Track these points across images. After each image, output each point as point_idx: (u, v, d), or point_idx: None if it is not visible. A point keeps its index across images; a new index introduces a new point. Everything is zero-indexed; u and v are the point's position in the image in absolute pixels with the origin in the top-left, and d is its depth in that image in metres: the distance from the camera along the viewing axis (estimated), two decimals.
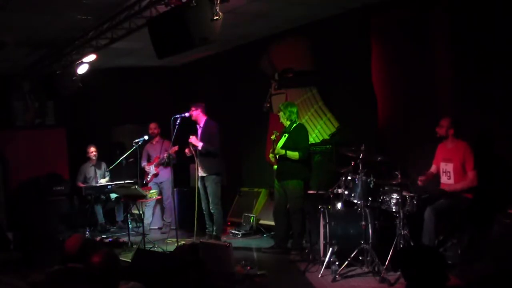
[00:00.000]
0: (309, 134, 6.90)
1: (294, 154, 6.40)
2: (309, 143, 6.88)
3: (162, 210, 8.80)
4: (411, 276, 2.74)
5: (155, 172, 8.43)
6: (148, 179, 8.47)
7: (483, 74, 5.58)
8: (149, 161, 8.62)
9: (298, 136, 6.51)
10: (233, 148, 9.24)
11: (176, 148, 7.61)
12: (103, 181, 9.04)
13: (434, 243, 5.31)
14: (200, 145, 7.08)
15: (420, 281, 2.69)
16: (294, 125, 6.59)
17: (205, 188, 7.22)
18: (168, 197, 8.50)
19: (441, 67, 6.12)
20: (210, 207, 7.19)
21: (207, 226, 7.38)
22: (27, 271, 5.48)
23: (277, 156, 6.48)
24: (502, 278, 4.52)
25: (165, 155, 8.07)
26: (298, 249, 6.43)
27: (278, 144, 6.53)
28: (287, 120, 6.61)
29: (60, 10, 6.14)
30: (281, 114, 6.65)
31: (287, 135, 6.54)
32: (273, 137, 6.54)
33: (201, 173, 7.22)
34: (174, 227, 7.61)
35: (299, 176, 6.51)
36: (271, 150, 6.61)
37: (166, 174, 8.45)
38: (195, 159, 7.21)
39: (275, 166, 6.63)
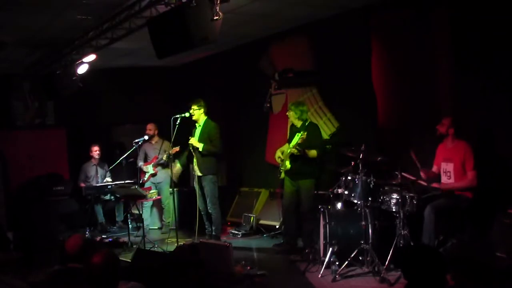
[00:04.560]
0: None
1: (313, 153, 6.37)
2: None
3: (161, 210, 8.81)
4: (411, 275, 2.75)
5: (153, 172, 8.41)
6: (145, 178, 8.45)
7: (483, 74, 5.58)
8: (146, 160, 8.61)
9: (314, 135, 6.46)
10: (233, 148, 9.25)
11: (177, 149, 7.62)
12: (105, 181, 9.06)
13: (434, 243, 5.31)
14: (201, 146, 7.06)
15: (420, 280, 2.70)
16: (307, 123, 6.56)
17: (202, 188, 7.21)
18: (166, 198, 8.49)
19: (441, 67, 6.12)
20: (208, 208, 7.18)
21: (206, 226, 7.37)
22: (27, 271, 5.47)
23: (295, 154, 6.39)
24: (501, 278, 4.52)
25: (164, 156, 8.08)
26: (310, 247, 6.24)
27: (291, 144, 6.45)
28: (298, 119, 6.56)
29: (60, 10, 6.14)
30: (291, 113, 6.58)
31: (299, 135, 6.39)
32: (298, 136, 6.50)
33: (197, 173, 7.21)
34: (174, 227, 7.61)
35: (312, 175, 6.52)
36: (277, 155, 6.60)
37: (164, 175, 8.45)
38: (194, 159, 7.21)
39: (289, 165, 6.54)
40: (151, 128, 8.50)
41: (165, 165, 8.40)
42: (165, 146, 8.33)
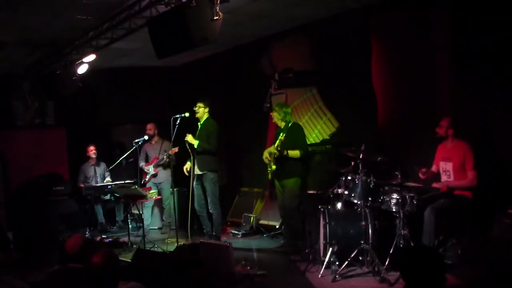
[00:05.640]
0: (309, 134, 6.90)
1: (295, 153, 6.42)
2: (309, 143, 6.89)
3: (162, 210, 8.80)
4: (409, 276, 2.74)
5: (154, 172, 8.41)
6: (146, 179, 8.45)
7: (483, 74, 5.58)
8: (147, 161, 8.60)
9: (296, 135, 6.53)
10: (233, 148, 9.25)
11: (176, 149, 7.61)
12: (105, 181, 9.05)
13: (434, 243, 5.31)
14: (196, 143, 7.06)
15: (418, 281, 2.69)
16: (290, 124, 6.61)
17: (203, 187, 7.20)
18: (167, 198, 8.49)
19: (441, 67, 6.12)
20: (209, 207, 7.17)
21: (203, 226, 7.35)
22: (27, 271, 5.48)
23: (275, 156, 6.46)
24: (501, 278, 4.52)
25: (165, 156, 8.08)
26: (303, 247, 6.30)
27: (275, 144, 6.51)
28: (281, 120, 6.62)
29: (60, 10, 6.14)
30: (275, 114, 6.66)
31: (283, 135, 6.52)
32: (281, 137, 6.52)
33: (197, 171, 7.20)
34: (174, 227, 7.60)
35: (297, 174, 6.54)
36: (265, 155, 6.62)
37: (165, 175, 8.45)
38: (191, 156, 7.20)
39: (274, 166, 6.60)
40: (151, 128, 8.50)
41: (166, 166, 8.40)
42: (165, 146, 8.32)
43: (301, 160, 6.51)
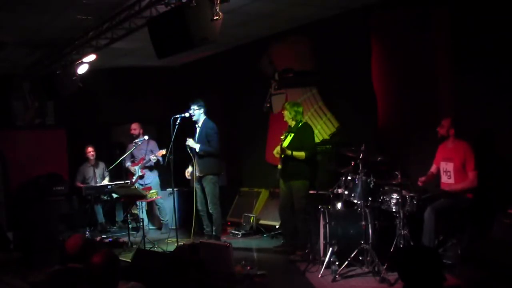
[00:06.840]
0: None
1: (300, 154, 6.37)
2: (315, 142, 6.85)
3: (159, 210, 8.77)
4: (407, 276, 2.74)
5: (140, 173, 8.34)
6: (133, 180, 8.37)
7: (483, 74, 5.58)
8: (133, 162, 8.56)
9: (304, 136, 6.48)
10: (233, 148, 9.25)
11: (163, 151, 7.56)
12: (104, 182, 9.03)
13: (434, 243, 5.31)
14: (197, 147, 7.03)
15: (417, 281, 2.69)
16: (300, 124, 6.57)
17: (202, 188, 7.19)
18: (159, 198, 8.45)
19: (441, 67, 6.12)
20: (209, 207, 7.16)
21: (204, 226, 7.34)
22: (27, 271, 5.47)
23: (282, 155, 6.44)
24: (501, 279, 4.52)
25: (152, 156, 8.06)
26: (304, 248, 6.29)
27: (283, 144, 6.45)
28: (292, 119, 6.57)
29: (60, 10, 6.14)
30: (286, 113, 6.59)
31: (292, 135, 6.50)
32: (282, 137, 6.50)
33: (197, 173, 7.19)
34: (174, 227, 7.60)
35: (303, 176, 6.49)
36: (276, 150, 6.60)
37: (152, 176, 8.42)
38: (193, 159, 7.19)
39: (280, 165, 6.57)
40: (135, 127, 8.43)
41: (153, 167, 8.37)
42: (151, 146, 8.29)
43: (306, 161, 6.44)
